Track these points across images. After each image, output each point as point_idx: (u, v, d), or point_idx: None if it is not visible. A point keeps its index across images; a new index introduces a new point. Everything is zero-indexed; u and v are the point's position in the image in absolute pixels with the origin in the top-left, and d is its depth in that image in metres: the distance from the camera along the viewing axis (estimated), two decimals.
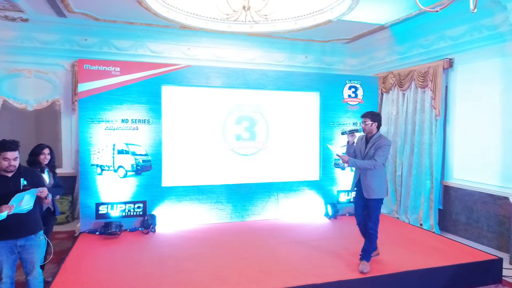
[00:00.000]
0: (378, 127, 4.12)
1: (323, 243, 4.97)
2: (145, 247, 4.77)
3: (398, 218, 6.74)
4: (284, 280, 3.76)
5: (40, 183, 3.29)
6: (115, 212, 5.38)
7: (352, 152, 4.27)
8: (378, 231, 4.15)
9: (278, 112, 6.26)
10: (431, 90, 6.13)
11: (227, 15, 5.20)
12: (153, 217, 5.44)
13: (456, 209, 5.95)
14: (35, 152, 4.09)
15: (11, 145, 3.05)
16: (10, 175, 3.10)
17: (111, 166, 5.34)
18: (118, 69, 5.32)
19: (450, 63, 5.95)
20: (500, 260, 4.35)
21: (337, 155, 4.21)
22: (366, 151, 4.08)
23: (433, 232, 5.75)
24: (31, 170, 3.38)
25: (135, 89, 5.41)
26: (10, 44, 6.27)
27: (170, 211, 5.65)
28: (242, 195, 6.01)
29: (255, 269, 4.06)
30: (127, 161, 5.39)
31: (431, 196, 6.14)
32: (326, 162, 6.40)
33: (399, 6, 5.48)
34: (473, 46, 5.58)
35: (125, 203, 5.42)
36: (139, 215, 5.48)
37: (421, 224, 6.22)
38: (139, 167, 5.44)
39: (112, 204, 5.38)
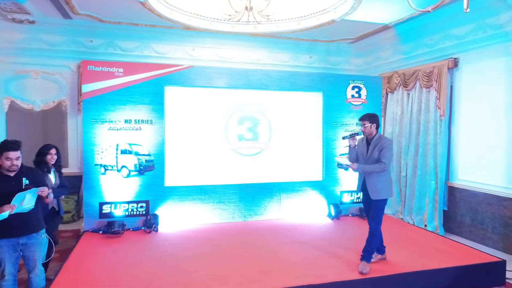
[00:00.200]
0: (377, 127, 4.14)
1: (324, 243, 4.96)
2: (147, 246, 4.82)
3: (402, 219, 6.69)
4: (284, 280, 3.77)
5: (41, 182, 3.35)
6: (118, 212, 5.44)
7: (355, 155, 4.28)
8: (381, 232, 4.15)
9: (280, 112, 6.26)
10: (435, 90, 6.07)
11: (230, 15, 5.22)
12: (155, 216, 5.49)
13: (461, 210, 5.88)
14: (42, 152, 4.16)
15: (13, 145, 3.12)
16: (12, 174, 3.17)
17: (114, 166, 5.40)
18: (121, 70, 5.38)
19: (455, 63, 5.88)
20: (503, 262, 4.28)
21: (346, 165, 4.20)
22: (369, 153, 4.09)
23: (437, 234, 5.70)
24: (33, 170, 3.45)
25: (138, 90, 5.47)
26: (17, 46, 6.38)
27: (172, 210, 5.69)
28: (245, 195, 6.03)
29: (255, 269, 4.07)
30: (130, 161, 5.45)
31: (435, 197, 6.08)
32: (329, 162, 6.38)
33: (402, 5, 5.43)
34: (478, 45, 5.51)
35: (128, 202, 5.48)
36: (142, 215, 5.54)
37: (425, 225, 6.16)
38: (142, 167, 5.49)
39: (115, 203, 5.44)
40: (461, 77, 5.87)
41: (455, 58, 5.87)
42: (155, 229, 5.38)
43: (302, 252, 4.61)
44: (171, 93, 5.72)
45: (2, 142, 3.20)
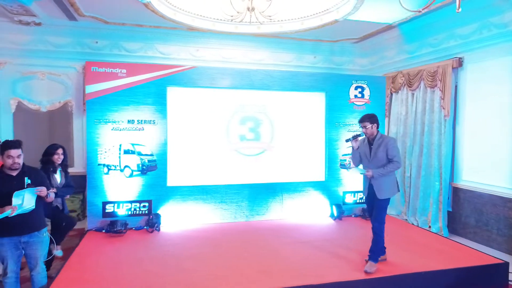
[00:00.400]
0: (378, 127, 4.13)
1: (325, 243, 4.95)
2: (149, 245, 4.86)
3: (406, 220, 6.64)
4: (284, 280, 3.77)
5: (43, 182, 3.41)
6: (121, 211, 5.50)
7: (358, 157, 4.26)
8: (384, 232, 4.13)
9: (283, 113, 6.26)
10: (440, 90, 6.01)
11: (232, 16, 5.24)
12: (157, 216, 5.54)
13: (466, 211, 5.81)
14: (49, 152, 4.23)
15: (14, 143, 3.19)
16: (14, 174, 3.23)
17: (117, 165, 5.46)
18: (124, 70, 5.44)
19: (460, 62, 5.82)
20: (506, 264, 4.23)
21: (362, 173, 4.17)
22: (373, 153, 4.09)
23: (440, 235, 5.64)
24: (35, 170, 3.50)
25: (141, 91, 5.52)
26: (24, 47, 6.48)
27: (174, 210, 5.73)
28: (247, 195, 6.05)
29: (256, 269, 4.08)
30: (133, 161, 5.50)
31: (440, 198, 6.02)
32: (332, 162, 6.36)
33: (405, 5, 5.38)
34: (482, 44, 5.45)
35: (131, 202, 5.54)
36: (145, 214, 5.59)
37: (429, 227, 6.11)
38: (144, 167, 5.54)
39: (118, 203, 5.50)
40: (466, 76, 5.81)
41: (459, 58, 5.81)
42: (157, 228, 5.43)
43: (303, 252, 4.61)
44: (173, 93, 5.76)
45: (3, 141, 3.28)
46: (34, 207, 3.21)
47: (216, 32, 6.73)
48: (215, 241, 5.04)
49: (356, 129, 6.29)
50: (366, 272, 3.94)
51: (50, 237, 3.57)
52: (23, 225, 3.22)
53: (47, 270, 3.89)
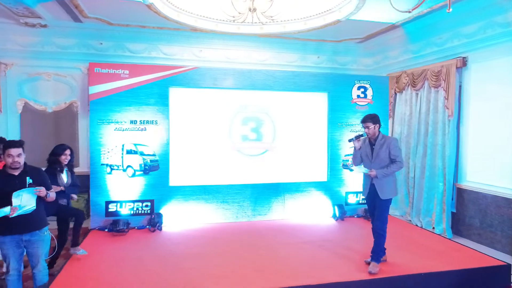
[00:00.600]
0: (379, 127, 4.12)
1: (326, 244, 4.94)
2: (150, 244, 4.91)
3: (410, 220, 6.58)
4: (283, 281, 3.78)
5: (45, 182, 3.46)
6: (124, 210, 5.56)
7: (359, 157, 4.25)
8: (386, 232, 4.12)
9: (285, 113, 6.26)
10: (444, 89, 5.95)
11: (233, 17, 5.26)
12: (159, 215, 5.59)
13: (470, 212, 5.74)
14: (57, 152, 4.29)
15: (15, 143, 3.26)
16: (16, 173, 3.30)
17: (120, 165, 5.53)
18: (127, 71, 5.51)
19: (464, 62, 5.75)
20: (508, 266, 4.18)
21: (366, 172, 4.14)
22: (375, 153, 4.08)
23: (443, 236, 5.59)
24: (36, 169, 3.55)
25: (143, 91, 5.58)
26: (30, 49, 6.58)
27: (176, 210, 5.78)
28: (248, 195, 6.06)
29: (255, 269, 4.10)
30: (136, 161, 5.56)
31: (443, 199, 5.96)
32: (334, 163, 6.35)
33: (407, 5, 5.32)
34: (486, 44, 5.37)
35: (134, 201, 5.60)
36: (147, 214, 5.64)
37: (433, 228, 6.05)
38: (147, 167, 5.60)
39: (121, 202, 5.57)
40: (470, 76, 5.74)
41: (463, 57, 5.74)
42: (159, 228, 5.48)
43: (302, 253, 4.62)
44: (175, 94, 5.80)
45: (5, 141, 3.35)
46: (35, 207, 3.26)
47: (219, 33, 6.75)
48: (216, 241, 5.06)
49: (359, 129, 6.27)
50: (370, 273, 3.93)
51: (52, 236, 3.62)
52: (24, 224, 3.27)
53: (51, 268, 3.98)
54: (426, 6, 5.43)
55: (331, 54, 7.94)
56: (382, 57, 7.73)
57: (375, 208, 4.13)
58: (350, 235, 5.39)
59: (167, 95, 5.71)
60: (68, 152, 4.35)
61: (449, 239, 5.48)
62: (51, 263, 4.27)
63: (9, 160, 3.21)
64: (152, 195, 5.66)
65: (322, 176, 6.37)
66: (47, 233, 3.51)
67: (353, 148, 4.31)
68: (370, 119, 4.08)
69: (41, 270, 3.47)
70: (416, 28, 6.33)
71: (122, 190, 5.56)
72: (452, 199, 6.03)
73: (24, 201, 3.14)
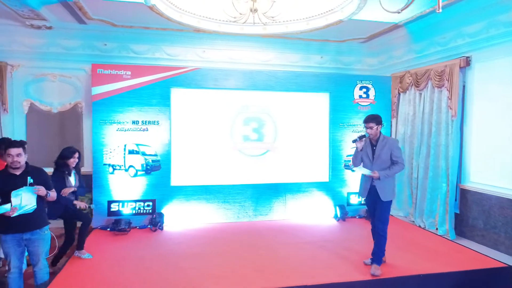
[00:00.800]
0: (381, 128, 4.10)
1: (327, 244, 4.94)
2: (151, 244, 4.95)
3: (413, 221, 6.53)
4: (280, 281, 3.79)
5: (46, 181, 3.51)
6: (126, 210, 5.62)
7: (360, 158, 4.24)
8: (387, 233, 4.10)
9: (286, 113, 6.27)
10: (447, 89, 5.89)
11: (235, 18, 5.28)
12: (161, 215, 5.63)
13: (473, 214, 5.68)
14: (66, 156, 4.31)
15: (15, 143, 3.32)
16: (18, 173, 3.35)
17: (122, 165, 5.59)
18: (129, 72, 5.57)
19: (467, 62, 5.69)
20: (509, 268, 4.13)
21: (368, 174, 4.10)
22: (377, 154, 4.06)
23: (445, 238, 5.54)
24: (38, 169, 3.60)
25: (145, 92, 5.63)
26: (36, 50, 6.67)
27: (178, 209, 5.82)
28: (250, 195, 6.08)
29: (255, 269, 4.12)
30: (138, 161, 5.62)
31: (447, 200, 5.90)
32: (336, 163, 6.33)
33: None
34: (490, 43, 5.31)
35: (135, 201, 5.66)
36: (149, 213, 5.69)
37: (436, 229, 5.99)
38: (148, 167, 5.65)
39: (123, 202, 5.63)
40: (474, 76, 5.68)
41: (467, 57, 5.68)
42: (161, 227, 5.52)
43: (304, 253, 4.62)
44: (177, 94, 5.85)
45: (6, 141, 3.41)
46: (35, 206, 3.31)
47: (222, 34, 6.77)
48: (217, 241, 5.09)
49: (361, 129, 6.24)
50: (373, 275, 3.91)
51: (52, 235, 3.67)
52: (25, 222, 3.33)
53: (54, 266, 4.04)
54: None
55: (334, 54, 7.91)
56: (387, 57, 7.68)
57: (376, 209, 4.11)
58: (351, 235, 5.38)
59: (169, 96, 5.75)
60: (76, 155, 4.39)
61: (452, 240, 5.43)
62: (54, 262, 4.33)
63: (9, 159, 3.27)
64: (153, 195, 5.70)
65: (324, 177, 6.36)
66: (48, 232, 3.57)
67: (355, 148, 4.29)
68: (373, 119, 4.06)
69: (42, 268, 3.52)
70: (419, 27, 6.28)
71: (124, 189, 5.62)
72: (456, 200, 5.97)
73: (24, 200, 3.19)
